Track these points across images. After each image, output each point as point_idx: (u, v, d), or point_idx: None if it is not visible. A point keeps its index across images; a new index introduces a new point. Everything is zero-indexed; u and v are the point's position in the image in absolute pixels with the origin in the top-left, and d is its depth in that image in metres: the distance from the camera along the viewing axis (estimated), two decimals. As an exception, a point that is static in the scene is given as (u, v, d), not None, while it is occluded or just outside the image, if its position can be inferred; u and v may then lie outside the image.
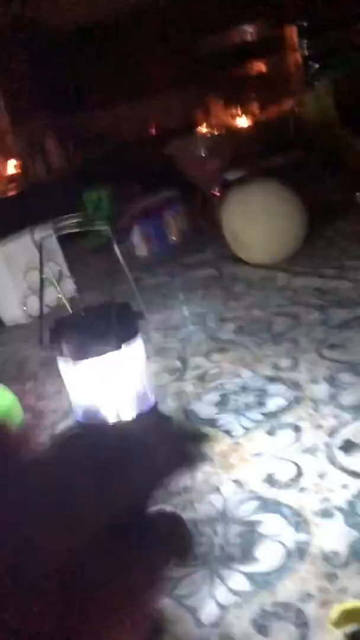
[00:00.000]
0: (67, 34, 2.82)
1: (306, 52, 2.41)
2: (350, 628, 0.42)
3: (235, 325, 1.00)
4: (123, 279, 0.77)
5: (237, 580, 0.48)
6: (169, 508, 0.48)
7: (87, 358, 0.63)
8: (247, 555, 0.51)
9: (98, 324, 0.65)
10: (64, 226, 0.71)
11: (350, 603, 0.41)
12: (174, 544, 0.46)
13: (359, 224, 1.42)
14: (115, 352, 0.63)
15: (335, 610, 0.41)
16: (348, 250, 1.25)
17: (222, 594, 0.47)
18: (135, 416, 0.66)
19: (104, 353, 0.63)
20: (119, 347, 0.64)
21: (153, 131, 2.80)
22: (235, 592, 0.47)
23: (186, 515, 0.56)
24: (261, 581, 0.48)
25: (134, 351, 0.66)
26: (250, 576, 0.48)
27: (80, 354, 0.63)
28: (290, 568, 0.48)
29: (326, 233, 1.39)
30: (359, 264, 1.14)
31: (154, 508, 0.45)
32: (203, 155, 1.86)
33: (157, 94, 2.79)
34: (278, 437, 0.67)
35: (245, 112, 2.63)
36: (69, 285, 1.30)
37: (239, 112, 2.64)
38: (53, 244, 1.24)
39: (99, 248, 1.45)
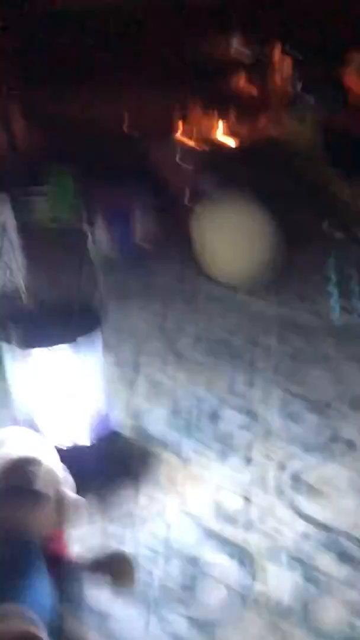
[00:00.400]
0: (59, 16, 2.73)
1: (298, 81, 2.41)
2: None
3: (194, 340, 0.97)
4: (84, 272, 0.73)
5: (173, 622, 0.45)
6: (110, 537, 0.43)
7: (37, 347, 0.57)
8: (187, 595, 0.47)
9: (54, 312, 0.60)
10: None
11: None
12: (115, 576, 0.42)
13: (322, 253, 1.42)
14: (71, 345, 0.58)
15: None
16: (312, 281, 1.25)
17: (155, 635, 0.44)
18: (88, 426, 0.61)
19: (57, 344, 0.57)
20: (74, 339, 0.58)
21: (131, 128, 2.74)
22: (170, 634, 0.44)
23: (128, 544, 0.53)
24: (200, 625, 0.45)
25: (91, 348, 0.61)
26: (188, 619, 0.45)
27: (29, 342, 0.57)
28: (232, 613, 0.45)
29: (294, 260, 1.38)
30: (319, 296, 1.14)
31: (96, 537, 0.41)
32: (180, 161, 1.83)
33: (139, 91, 2.73)
34: (228, 464, 0.64)
35: (227, 127, 2.60)
36: (22, 267, 1.23)
37: (220, 125, 2.61)
38: (9, 220, 1.17)
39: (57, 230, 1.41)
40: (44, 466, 0.48)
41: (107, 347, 0.95)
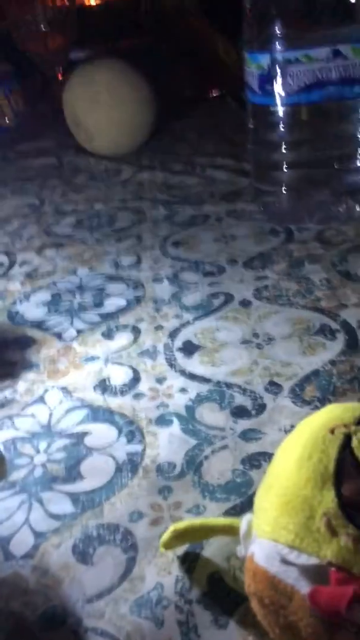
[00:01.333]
0: None
1: None
2: (182, 549, 0.37)
3: (74, 219, 0.90)
4: None
5: (58, 503, 0.42)
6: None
7: None
8: (71, 473, 0.44)
9: None
10: None
11: (183, 522, 0.36)
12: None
13: (208, 120, 1.35)
14: None
15: (168, 531, 0.35)
16: (196, 147, 1.18)
17: (38, 520, 0.40)
18: None
19: None
20: None
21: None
22: (54, 517, 0.41)
23: (4, 434, 0.48)
24: (86, 501, 0.41)
25: None
26: (73, 497, 0.42)
27: None
28: (119, 484, 0.43)
29: (174, 128, 1.31)
30: (207, 161, 1.08)
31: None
32: (44, 29, 1.64)
33: None
34: (115, 339, 0.60)
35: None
36: None
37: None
38: None
39: None
40: None
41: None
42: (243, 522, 0.33)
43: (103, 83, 1.09)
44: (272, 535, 0.30)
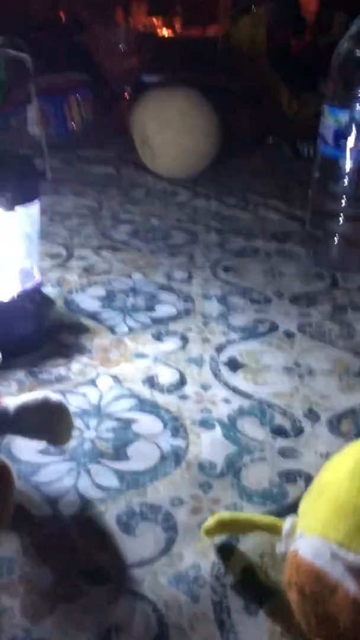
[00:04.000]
0: None
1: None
2: (220, 538, 0.39)
3: (131, 228, 0.94)
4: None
5: (104, 476, 0.44)
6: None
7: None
8: (118, 452, 0.47)
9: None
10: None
11: (228, 513, 0.39)
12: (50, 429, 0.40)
13: (263, 164, 1.40)
14: (8, 213, 0.54)
15: (211, 519, 0.38)
16: (251, 184, 1.23)
17: (86, 487, 0.43)
18: (18, 292, 0.58)
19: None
20: (12, 207, 0.54)
21: (69, 14, 2.54)
22: (100, 487, 0.43)
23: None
24: (131, 480, 0.44)
25: (29, 217, 0.57)
26: (119, 473, 0.44)
27: None
28: (163, 471, 0.45)
29: (231, 164, 1.36)
30: (260, 200, 1.12)
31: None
32: (122, 49, 1.71)
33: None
34: (164, 342, 0.63)
35: (168, 23, 2.47)
36: None
37: (161, 22, 2.47)
38: None
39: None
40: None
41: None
42: (287, 522, 0.36)
43: (177, 108, 1.14)
44: (322, 533, 0.32)
